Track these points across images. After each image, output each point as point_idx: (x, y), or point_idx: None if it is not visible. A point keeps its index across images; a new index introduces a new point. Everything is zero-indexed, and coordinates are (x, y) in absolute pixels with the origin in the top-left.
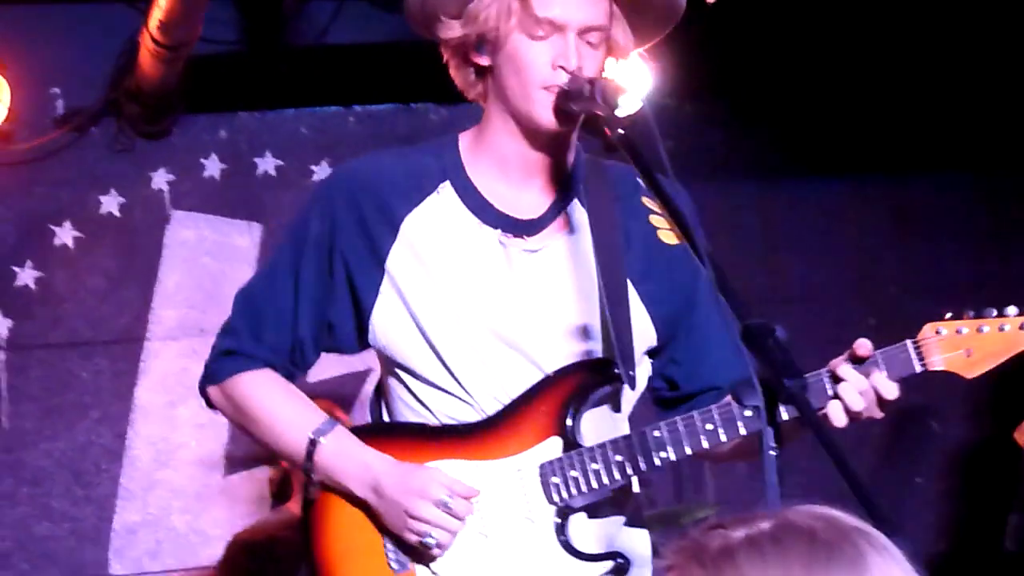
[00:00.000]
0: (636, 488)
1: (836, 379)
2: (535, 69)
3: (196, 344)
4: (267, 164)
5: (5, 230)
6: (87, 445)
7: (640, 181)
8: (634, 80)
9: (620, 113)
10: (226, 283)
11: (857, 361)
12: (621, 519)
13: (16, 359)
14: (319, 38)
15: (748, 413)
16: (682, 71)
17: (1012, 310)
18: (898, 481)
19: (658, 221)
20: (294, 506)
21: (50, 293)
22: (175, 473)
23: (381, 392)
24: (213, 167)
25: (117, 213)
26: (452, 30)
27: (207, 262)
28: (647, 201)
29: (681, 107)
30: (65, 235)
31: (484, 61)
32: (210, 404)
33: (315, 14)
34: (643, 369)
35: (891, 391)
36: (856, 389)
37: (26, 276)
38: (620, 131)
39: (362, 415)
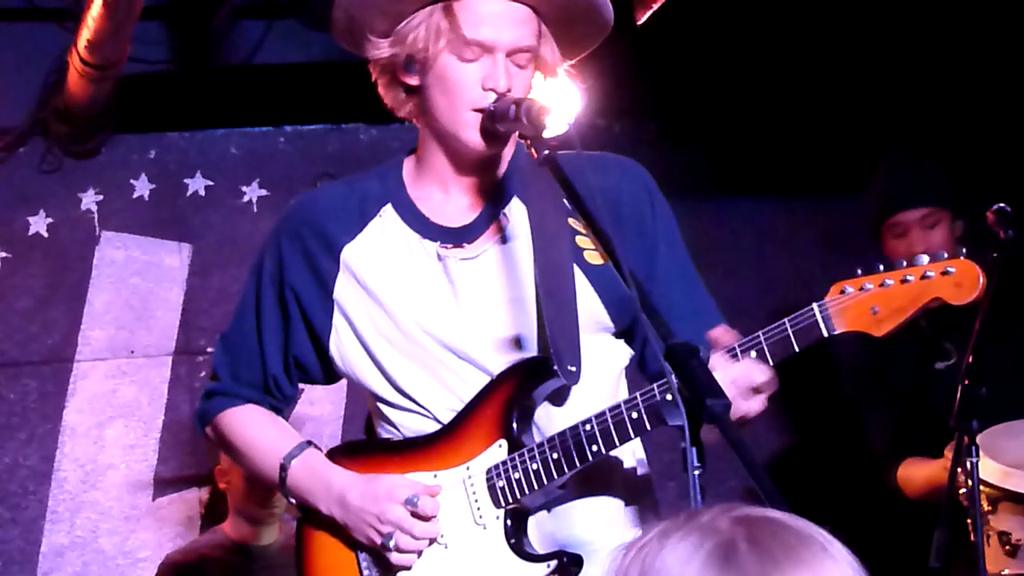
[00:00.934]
0: (630, 462)
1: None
2: (464, 90)
3: (125, 365)
4: (197, 184)
5: None
6: (14, 467)
7: (566, 202)
8: (562, 100)
9: (547, 134)
10: (156, 303)
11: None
12: (574, 513)
13: None
14: (249, 58)
15: (670, 397)
16: (612, 91)
17: (922, 258)
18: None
19: (583, 242)
20: (227, 527)
21: None
22: (103, 495)
23: (370, 415)
24: (143, 187)
25: (45, 233)
26: (381, 50)
27: (136, 282)
28: (573, 222)
29: (611, 127)
30: None
31: (413, 81)
32: (210, 443)
33: (245, 33)
34: (604, 355)
35: (758, 375)
36: (727, 378)
37: None
38: (546, 152)
39: None
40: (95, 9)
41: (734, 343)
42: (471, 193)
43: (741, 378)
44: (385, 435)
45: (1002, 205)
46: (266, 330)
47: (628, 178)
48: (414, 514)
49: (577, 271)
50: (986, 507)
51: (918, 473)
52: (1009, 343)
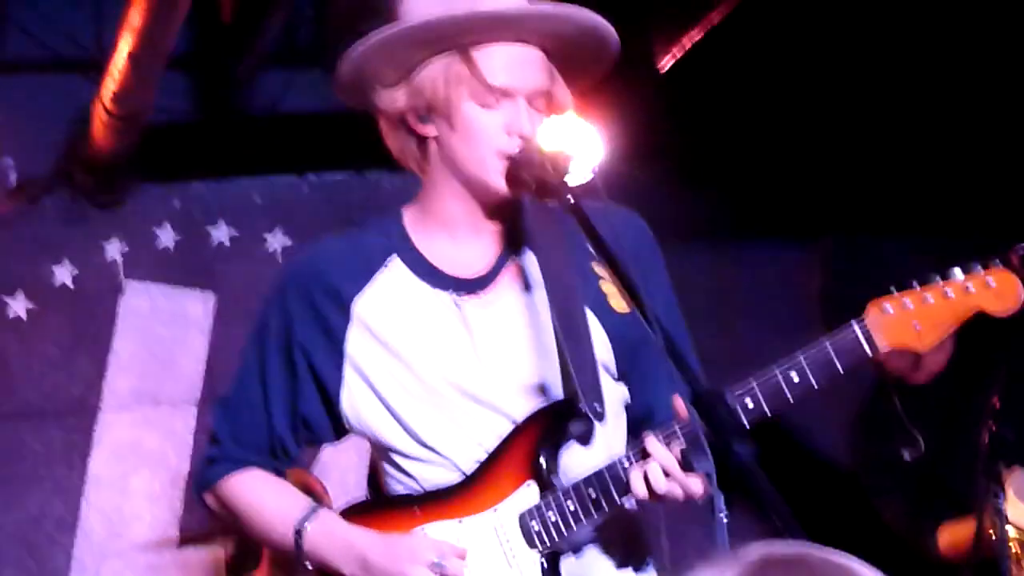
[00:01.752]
0: (630, 505)
1: (644, 454)
2: (489, 137)
3: (150, 414)
4: (221, 233)
5: None
6: (40, 517)
7: (589, 247)
8: (586, 147)
9: (570, 180)
10: (180, 352)
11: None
12: (616, 550)
13: None
14: (272, 107)
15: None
16: (634, 137)
17: (956, 271)
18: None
19: (608, 288)
20: (261, 574)
21: (2, 364)
22: (129, 546)
23: (374, 471)
24: (167, 236)
25: (70, 284)
26: (395, 100)
27: (161, 331)
28: (596, 267)
29: (634, 173)
30: (18, 306)
31: (430, 131)
32: (210, 512)
33: (268, 83)
34: (614, 396)
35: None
36: (662, 463)
37: None
38: (570, 199)
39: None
40: (119, 60)
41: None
42: (483, 242)
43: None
44: (402, 490)
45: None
46: (272, 390)
47: (635, 231)
48: (440, 573)
49: (592, 317)
50: (1016, 552)
51: (960, 534)
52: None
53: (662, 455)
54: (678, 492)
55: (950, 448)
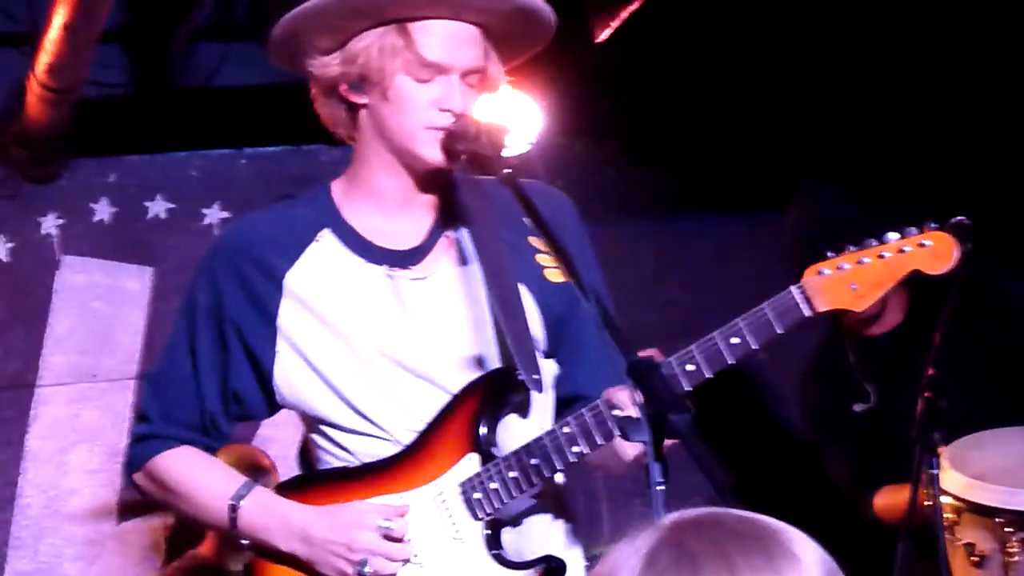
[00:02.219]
0: (560, 479)
1: (612, 406)
2: (420, 111)
3: (87, 390)
4: (158, 207)
5: None
6: None
7: (527, 220)
8: (522, 120)
9: (506, 153)
10: (118, 328)
11: None
12: (547, 519)
13: None
14: (208, 80)
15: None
16: (572, 110)
17: (892, 235)
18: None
19: (544, 260)
20: (206, 549)
21: None
22: (66, 521)
23: (306, 448)
24: (103, 211)
25: (5, 258)
26: (328, 67)
27: (98, 307)
28: (533, 240)
29: (571, 146)
30: None
31: (361, 99)
32: (140, 492)
33: (203, 56)
34: (548, 370)
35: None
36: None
37: None
38: (507, 171)
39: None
40: (53, 32)
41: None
42: (415, 215)
43: None
44: (338, 464)
45: (961, 218)
46: (202, 366)
47: (563, 209)
48: (387, 537)
49: (526, 292)
50: (950, 518)
51: (897, 500)
52: (970, 356)
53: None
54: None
55: (899, 406)
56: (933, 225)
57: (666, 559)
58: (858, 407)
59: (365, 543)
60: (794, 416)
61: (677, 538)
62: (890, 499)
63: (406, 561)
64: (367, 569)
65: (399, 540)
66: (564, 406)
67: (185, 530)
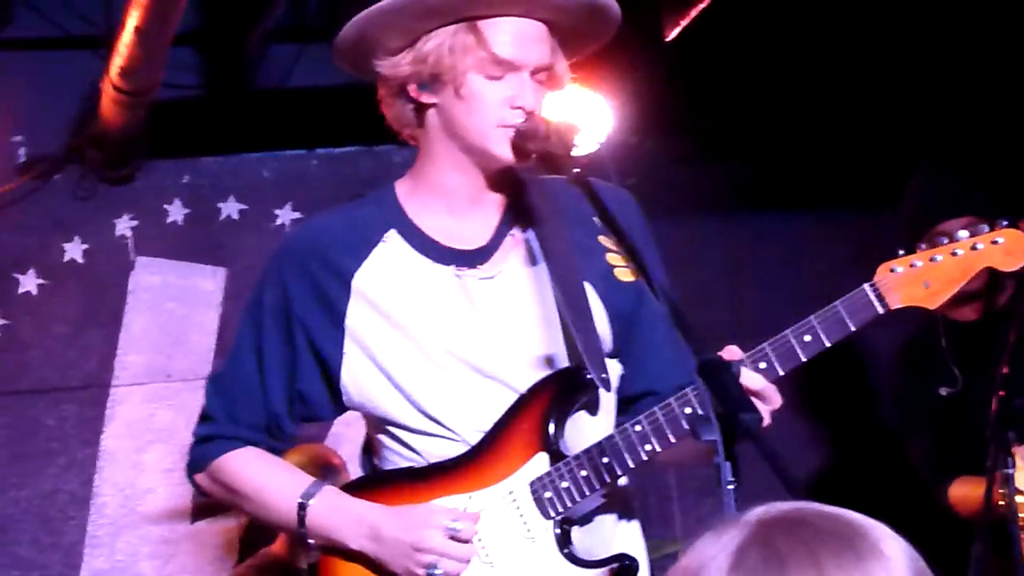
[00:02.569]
0: (623, 482)
1: (684, 404)
2: (493, 108)
3: (162, 389)
4: (231, 208)
5: None
6: (54, 492)
7: (597, 219)
8: (592, 119)
9: (576, 152)
10: (191, 328)
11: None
12: (615, 518)
13: None
14: (281, 81)
15: (701, 412)
16: (643, 109)
17: (963, 233)
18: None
19: (614, 259)
20: (278, 548)
21: (15, 341)
22: (143, 519)
23: (370, 448)
24: (177, 212)
25: (81, 260)
26: (398, 67)
27: (172, 307)
28: (603, 239)
29: (642, 144)
30: (29, 283)
31: (431, 99)
32: (202, 492)
33: (277, 58)
34: (613, 369)
35: (755, 382)
36: None
37: None
38: (577, 170)
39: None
40: (127, 36)
41: None
42: (482, 213)
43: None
44: (404, 463)
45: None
46: (269, 366)
47: (630, 208)
48: (454, 537)
49: (592, 292)
50: None
51: (971, 492)
52: None
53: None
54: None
55: (985, 393)
56: (1004, 222)
57: (755, 558)
58: (944, 390)
59: (432, 543)
60: (867, 413)
61: (765, 536)
62: (965, 490)
63: (471, 561)
64: (437, 571)
65: (467, 541)
66: (632, 403)
67: (258, 529)
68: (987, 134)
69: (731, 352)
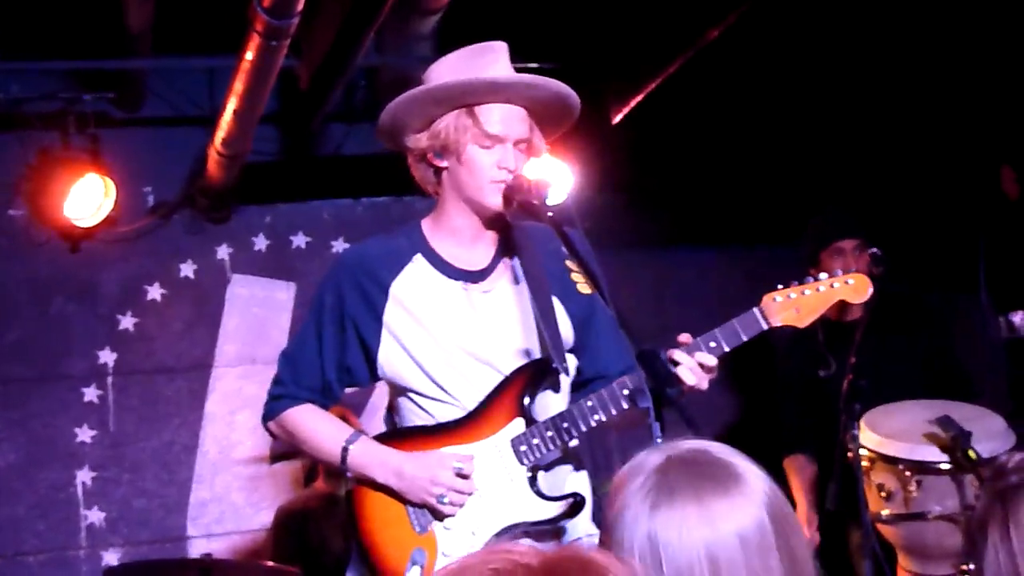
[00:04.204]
0: (575, 443)
1: (674, 362)
2: (486, 170)
3: (250, 370)
4: (300, 240)
5: (112, 289)
6: (171, 443)
7: (564, 249)
8: (559, 179)
9: (549, 202)
10: (271, 326)
11: (684, 347)
12: (571, 467)
13: (120, 381)
14: (336, 150)
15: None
16: (594, 173)
17: (824, 275)
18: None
19: (576, 277)
20: (320, 484)
21: (144, 334)
22: (234, 463)
23: (392, 409)
24: (261, 243)
25: (192, 276)
26: (419, 142)
27: (257, 311)
28: (569, 263)
29: (594, 198)
30: (155, 292)
31: (443, 164)
32: (273, 436)
33: (333, 132)
34: (571, 361)
35: (709, 360)
36: (687, 367)
37: (127, 322)
38: (549, 214)
39: (368, 420)
40: (227, 115)
41: (688, 343)
42: (482, 246)
43: (702, 362)
44: (419, 422)
45: (875, 250)
46: (326, 346)
47: (585, 244)
48: (459, 475)
49: (558, 303)
50: (866, 465)
51: (792, 480)
52: (883, 351)
53: (685, 358)
54: (703, 382)
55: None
56: (875, 250)
57: (654, 483)
58: (822, 372)
59: (444, 479)
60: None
61: (666, 469)
62: (791, 472)
63: (471, 494)
64: (445, 499)
65: (467, 478)
66: (588, 384)
67: (314, 470)
68: (866, 182)
69: (686, 338)
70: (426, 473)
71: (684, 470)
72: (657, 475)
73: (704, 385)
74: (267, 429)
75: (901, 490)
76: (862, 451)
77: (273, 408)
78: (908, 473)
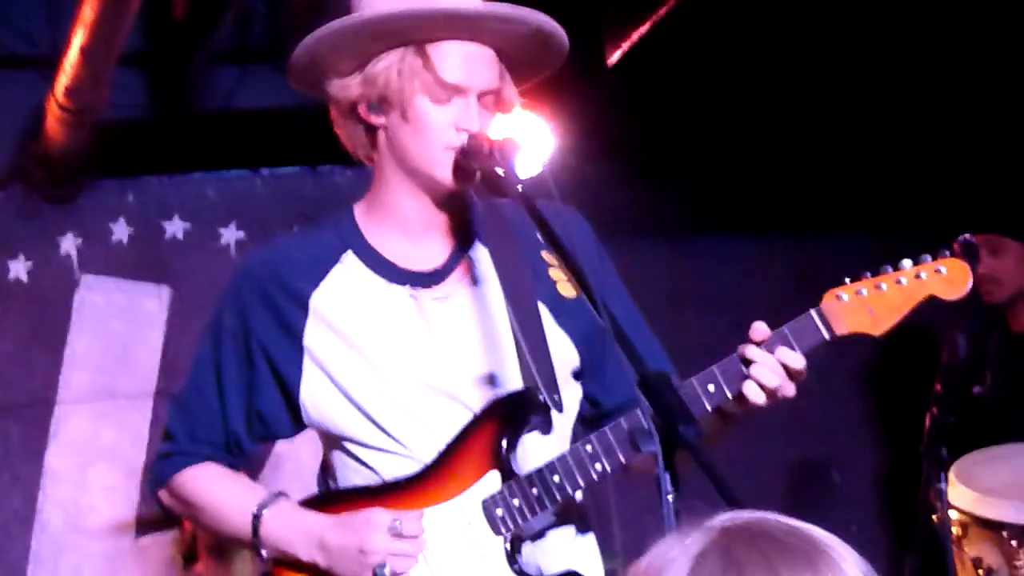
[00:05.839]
0: (579, 497)
1: (746, 362)
2: (438, 131)
3: (107, 408)
4: (175, 227)
5: None
6: None
7: (539, 236)
8: (536, 141)
9: (520, 173)
10: (136, 346)
11: (760, 343)
12: (569, 534)
13: None
14: (225, 102)
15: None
16: (585, 132)
17: (907, 263)
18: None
19: (556, 274)
20: (201, 567)
21: None
22: (86, 537)
23: (326, 467)
24: (121, 231)
25: (24, 278)
26: (347, 89)
27: (117, 326)
28: (545, 255)
29: (583, 167)
30: None
31: (379, 120)
32: (164, 509)
33: (221, 79)
34: (571, 391)
35: (797, 362)
36: (766, 366)
37: None
38: (519, 188)
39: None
40: (72, 55)
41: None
42: (436, 236)
43: (786, 363)
44: (360, 481)
45: (967, 236)
46: (227, 386)
47: (575, 226)
48: (397, 535)
49: (546, 312)
50: (957, 532)
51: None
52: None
53: (762, 356)
54: (789, 387)
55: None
56: (946, 253)
57: (714, 565)
58: (976, 389)
59: (378, 544)
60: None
61: (726, 545)
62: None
63: (415, 557)
64: (385, 570)
65: (413, 537)
66: (608, 416)
67: (192, 547)
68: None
69: (761, 330)
70: (354, 539)
71: (754, 544)
72: (717, 546)
73: (790, 391)
74: (157, 500)
75: (1005, 565)
76: (952, 512)
77: (161, 471)
78: (1014, 543)
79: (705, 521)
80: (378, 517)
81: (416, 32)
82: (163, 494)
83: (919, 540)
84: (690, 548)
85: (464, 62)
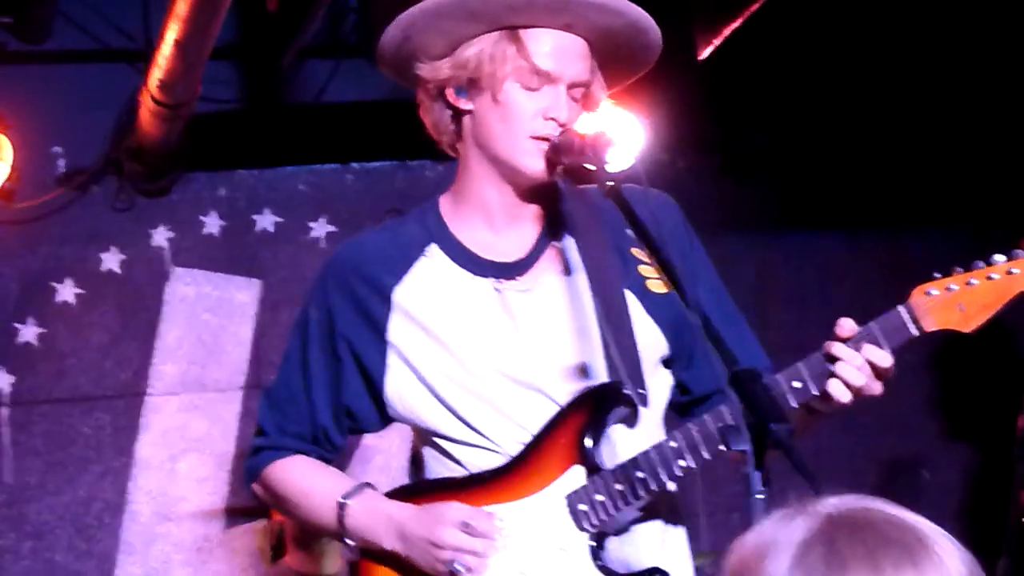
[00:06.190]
0: (672, 488)
1: (832, 359)
2: (526, 119)
3: (197, 399)
4: (266, 221)
5: (7, 287)
6: (89, 499)
7: (629, 232)
8: (626, 135)
9: (610, 168)
10: (226, 338)
11: (846, 340)
12: (656, 529)
13: (19, 415)
14: (317, 96)
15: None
16: (674, 126)
17: (999, 258)
18: None
19: (647, 271)
20: (289, 559)
21: (52, 349)
22: (175, 527)
23: (416, 460)
24: (213, 224)
25: (118, 270)
26: (438, 71)
27: (207, 318)
28: (635, 251)
29: (673, 162)
30: (66, 292)
31: (466, 105)
32: (258, 501)
33: (313, 72)
34: (658, 381)
35: (884, 360)
36: (852, 364)
37: (28, 333)
38: (610, 184)
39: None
40: (166, 49)
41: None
42: (521, 226)
43: (873, 360)
44: (447, 474)
45: None
46: (315, 381)
47: (667, 212)
48: (468, 532)
49: (634, 300)
50: None
51: None
52: None
53: (849, 354)
54: (875, 385)
55: None
56: None
57: (816, 556)
58: None
59: (448, 538)
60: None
61: (830, 535)
62: None
63: (487, 555)
64: (457, 566)
65: (486, 536)
66: (701, 403)
67: (281, 541)
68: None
69: (847, 327)
70: (429, 532)
71: (857, 536)
72: (821, 536)
73: (876, 390)
74: (252, 494)
75: None
76: None
77: (253, 465)
78: None
79: (810, 504)
80: (452, 512)
81: (511, 16)
82: (256, 487)
83: (1011, 542)
84: (794, 534)
85: (557, 51)
